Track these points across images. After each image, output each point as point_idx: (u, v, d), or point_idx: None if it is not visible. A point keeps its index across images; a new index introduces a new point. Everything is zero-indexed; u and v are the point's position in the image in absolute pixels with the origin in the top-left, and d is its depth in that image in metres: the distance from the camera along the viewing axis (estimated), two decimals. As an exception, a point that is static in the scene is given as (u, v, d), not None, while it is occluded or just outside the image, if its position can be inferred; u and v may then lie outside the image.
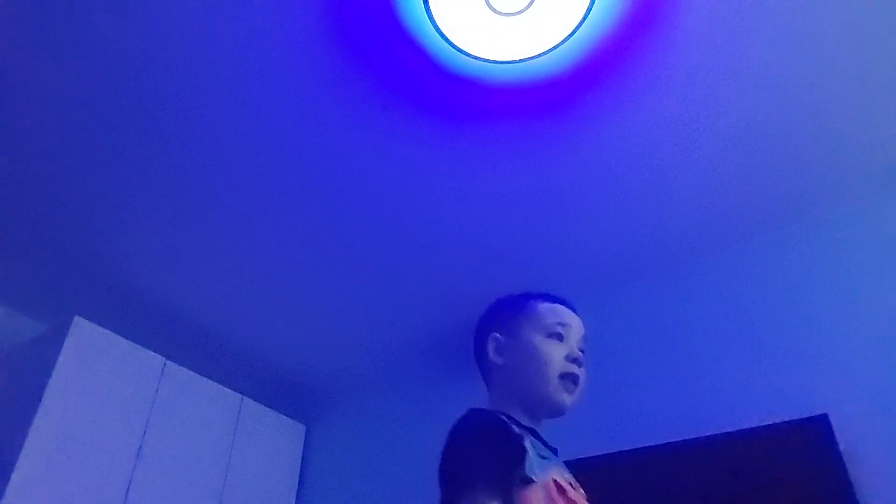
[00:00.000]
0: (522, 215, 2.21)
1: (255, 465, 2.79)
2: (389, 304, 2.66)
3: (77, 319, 2.32)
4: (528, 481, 0.86)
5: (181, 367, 2.63)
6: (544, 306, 1.10)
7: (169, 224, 2.30)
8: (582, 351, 1.08)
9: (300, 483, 3.00)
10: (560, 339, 1.06)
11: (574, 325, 1.09)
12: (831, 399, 1.84)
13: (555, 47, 1.63)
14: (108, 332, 2.42)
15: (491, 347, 1.10)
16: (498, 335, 1.10)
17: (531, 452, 0.90)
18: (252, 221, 2.28)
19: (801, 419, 1.82)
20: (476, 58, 1.67)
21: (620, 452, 2.08)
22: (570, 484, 0.94)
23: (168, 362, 2.58)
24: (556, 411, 1.04)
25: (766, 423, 1.87)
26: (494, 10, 1.55)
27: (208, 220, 2.28)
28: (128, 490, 2.27)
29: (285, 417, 3.06)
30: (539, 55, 1.66)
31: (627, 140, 1.92)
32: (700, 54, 1.67)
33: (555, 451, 1.02)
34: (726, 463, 1.90)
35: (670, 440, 2.02)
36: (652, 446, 2.05)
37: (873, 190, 2.06)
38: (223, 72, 1.75)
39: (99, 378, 2.31)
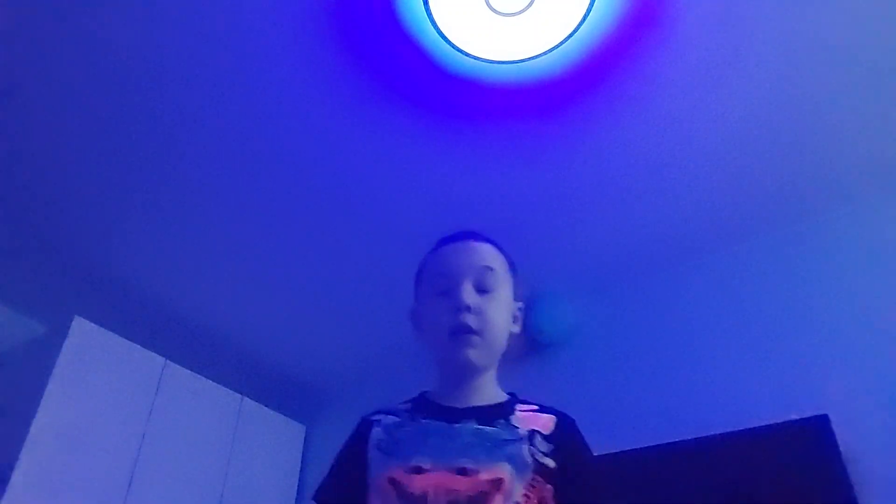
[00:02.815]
0: (522, 215, 2.21)
1: (255, 466, 2.79)
2: (389, 304, 2.65)
3: (77, 319, 2.32)
4: (370, 486, 0.85)
5: (181, 367, 2.63)
6: (431, 258, 1.01)
7: (169, 224, 2.30)
8: (486, 286, 0.94)
9: (300, 483, 2.99)
10: (446, 293, 0.93)
11: (461, 263, 0.97)
12: (831, 399, 1.85)
13: (555, 47, 1.63)
14: (108, 332, 2.41)
15: (412, 318, 1.02)
16: (415, 303, 1.02)
17: (374, 454, 0.87)
18: (252, 222, 2.28)
19: (801, 419, 1.82)
20: (476, 58, 1.67)
21: (620, 452, 2.08)
22: (421, 469, 0.82)
23: (168, 362, 2.58)
24: (464, 369, 0.92)
25: (766, 423, 1.87)
26: (494, 10, 1.55)
27: (208, 221, 2.28)
28: (128, 490, 2.27)
29: (285, 417, 3.05)
30: (539, 55, 1.66)
31: (627, 140, 1.92)
32: (699, 54, 1.67)
33: (479, 414, 0.90)
34: (726, 463, 1.90)
35: (670, 440, 2.02)
36: (652, 446, 2.05)
37: (873, 191, 2.06)
38: (223, 72, 1.75)
39: (99, 378, 2.31)
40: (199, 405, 2.65)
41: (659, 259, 2.41)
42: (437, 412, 0.91)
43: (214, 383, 2.76)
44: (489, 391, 0.95)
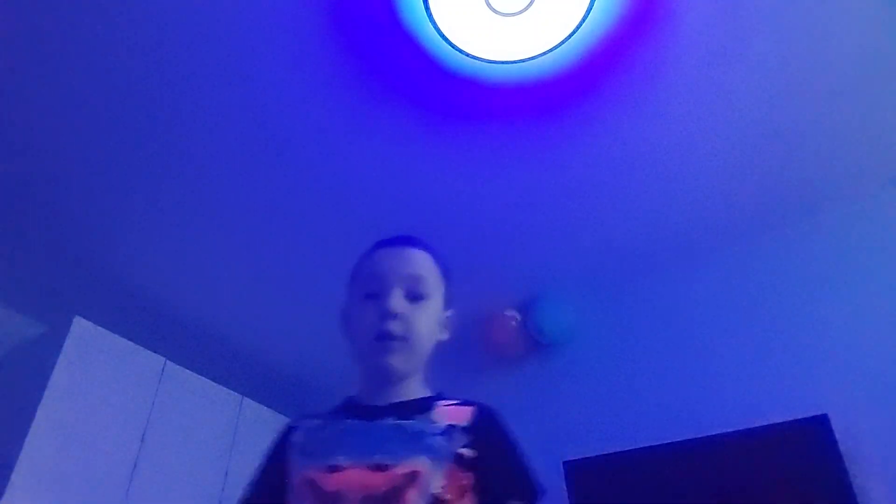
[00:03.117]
0: (522, 215, 2.21)
1: (255, 465, 2.78)
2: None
3: (77, 319, 2.32)
4: (289, 487, 0.86)
5: (181, 367, 2.63)
6: (364, 260, 1.00)
7: (169, 224, 2.30)
8: (417, 293, 0.94)
9: (300, 483, 2.99)
10: (375, 297, 0.93)
11: (393, 268, 0.95)
12: (831, 399, 1.85)
13: (555, 47, 1.63)
14: (108, 332, 2.41)
15: (341, 317, 1.02)
16: (346, 305, 1.01)
17: (293, 457, 0.89)
18: (252, 222, 2.28)
19: (801, 419, 1.82)
20: (476, 58, 1.67)
21: (621, 452, 2.08)
22: (338, 468, 0.83)
23: (168, 362, 2.58)
24: (382, 374, 0.93)
25: (767, 423, 1.88)
26: (494, 10, 1.55)
27: (208, 221, 2.28)
28: (128, 490, 2.27)
29: (285, 417, 3.05)
30: (539, 55, 1.66)
31: (627, 139, 1.92)
32: (700, 54, 1.67)
33: (398, 410, 0.91)
34: (727, 462, 1.90)
35: (671, 440, 2.02)
36: (652, 446, 2.05)
37: (873, 191, 2.06)
38: (224, 72, 1.75)
39: (99, 378, 2.31)
40: (199, 405, 2.65)
41: (659, 259, 2.41)
42: (359, 411, 0.92)
43: (214, 383, 2.76)
44: (412, 390, 0.95)
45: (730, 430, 1.93)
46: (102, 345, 2.37)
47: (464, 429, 0.89)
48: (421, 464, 0.83)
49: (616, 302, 2.53)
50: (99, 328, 2.38)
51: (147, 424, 2.42)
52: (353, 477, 0.82)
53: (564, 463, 2.17)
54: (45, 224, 2.31)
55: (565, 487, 2.13)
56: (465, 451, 0.86)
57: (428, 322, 0.95)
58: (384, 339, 0.91)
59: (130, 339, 2.48)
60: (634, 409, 2.26)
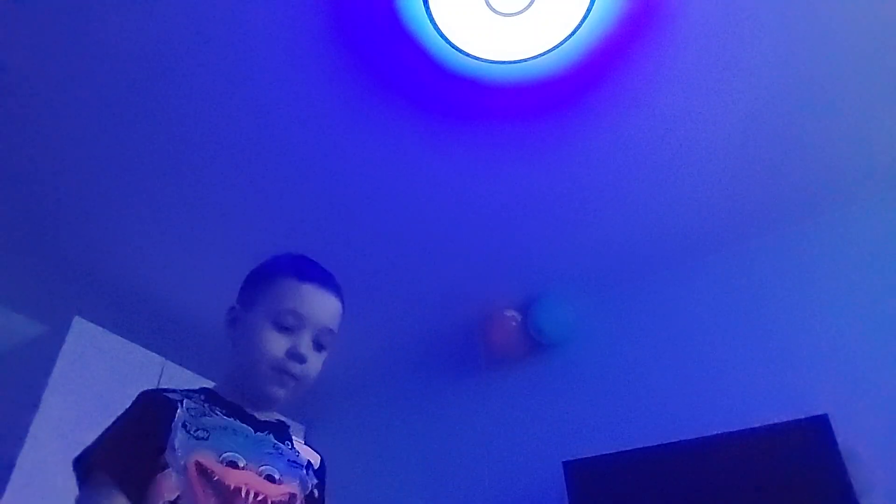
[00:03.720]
0: (523, 215, 2.21)
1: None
2: (389, 304, 2.66)
3: (77, 319, 2.32)
4: (165, 465, 0.81)
5: (181, 368, 2.63)
6: (288, 284, 0.97)
7: (169, 224, 2.30)
8: (322, 342, 0.97)
9: (300, 483, 2.99)
10: (289, 332, 0.94)
11: (315, 312, 0.96)
12: (831, 399, 1.85)
13: (555, 47, 1.63)
14: (108, 332, 2.41)
15: (229, 318, 1.00)
16: (237, 306, 1.01)
17: (180, 434, 0.84)
18: (252, 222, 2.28)
19: (801, 419, 1.82)
20: (476, 58, 1.67)
21: (621, 453, 2.08)
22: (235, 464, 0.84)
23: (168, 362, 2.58)
24: (268, 403, 0.96)
25: (766, 423, 1.87)
26: (494, 10, 1.55)
27: (208, 221, 2.28)
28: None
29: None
30: (539, 55, 1.66)
31: (628, 140, 1.92)
32: (700, 54, 1.67)
33: (275, 429, 0.95)
34: (727, 463, 1.90)
35: (670, 440, 2.02)
36: (652, 446, 2.05)
37: (873, 191, 2.06)
38: (224, 72, 1.75)
39: (99, 378, 2.31)
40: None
41: (659, 259, 2.41)
42: (239, 415, 0.93)
43: (214, 383, 2.76)
44: (276, 412, 1.01)
45: (730, 430, 1.92)
46: (102, 345, 2.37)
47: (315, 471, 0.99)
48: (295, 488, 0.90)
49: (616, 302, 2.52)
50: (99, 328, 2.38)
51: (147, 424, 2.41)
52: (251, 479, 0.85)
53: (564, 463, 2.17)
54: (45, 224, 2.31)
55: (565, 487, 2.13)
56: (315, 492, 0.95)
57: (319, 369, 1.00)
58: (284, 374, 0.93)
59: (130, 339, 2.48)
60: (634, 409, 2.26)
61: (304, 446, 1.02)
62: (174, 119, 1.89)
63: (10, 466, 1.99)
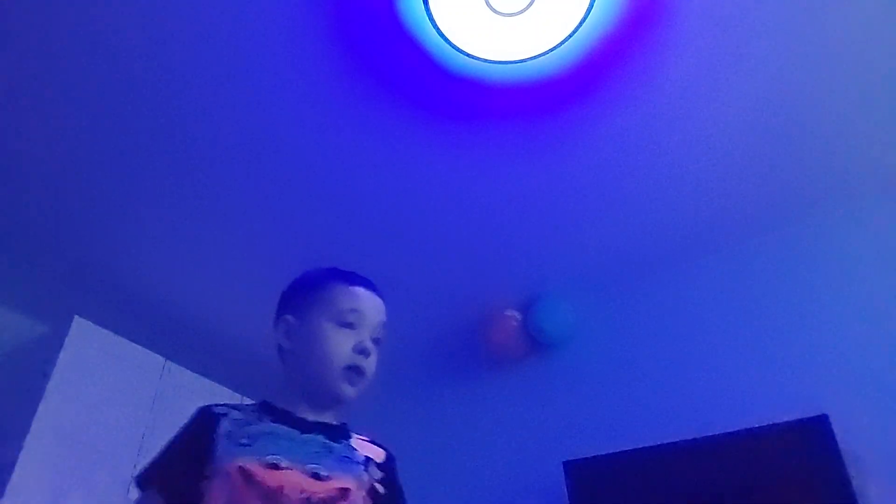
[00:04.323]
0: (523, 215, 2.21)
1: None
2: (388, 304, 2.65)
3: (77, 319, 2.32)
4: (214, 473, 0.86)
5: (181, 367, 2.63)
6: (340, 288, 1.05)
7: (169, 224, 2.30)
8: (378, 339, 1.04)
9: (300, 483, 2.99)
10: (351, 328, 1.01)
11: (370, 311, 1.04)
12: (831, 399, 1.85)
13: (555, 47, 1.63)
14: (108, 332, 2.41)
15: (281, 330, 1.05)
16: (290, 317, 1.05)
17: (222, 443, 0.89)
18: (252, 221, 2.28)
19: (801, 419, 1.82)
20: (476, 58, 1.67)
21: (621, 453, 2.08)
22: (277, 466, 0.88)
23: (168, 362, 2.58)
24: (337, 402, 1.01)
25: (767, 423, 1.88)
26: (494, 10, 1.55)
27: (208, 220, 2.28)
28: (128, 490, 2.26)
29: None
30: (539, 55, 1.66)
31: (627, 139, 1.92)
32: (700, 54, 1.67)
33: (327, 430, 0.98)
34: (727, 463, 1.90)
35: (671, 440, 2.02)
36: (652, 446, 2.05)
37: (873, 191, 2.06)
38: (224, 73, 1.75)
39: (99, 378, 2.31)
40: (199, 405, 2.65)
41: (658, 259, 2.41)
42: (286, 419, 0.97)
43: (214, 383, 2.76)
44: (334, 415, 1.04)
45: (730, 430, 1.92)
46: (102, 345, 2.37)
47: (378, 465, 1.00)
48: (348, 483, 0.91)
49: (616, 302, 2.52)
50: (99, 328, 2.38)
51: (147, 424, 2.42)
52: (294, 478, 0.87)
53: (564, 463, 2.17)
54: (46, 224, 2.31)
55: (565, 487, 2.13)
56: (379, 486, 0.96)
57: (376, 363, 1.04)
58: (353, 371, 0.99)
59: (130, 339, 2.48)
60: (634, 409, 2.26)
61: (367, 443, 1.03)
62: (174, 120, 1.89)
63: (10, 466, 1.99)
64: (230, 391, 2.83)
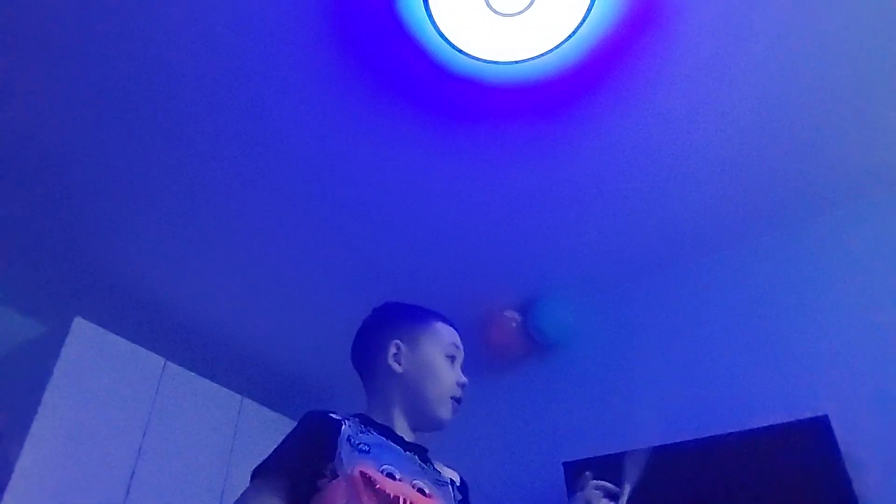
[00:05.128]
0: (523, 215, 2.21)
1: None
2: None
3: (77, 319, 2.32)
4: (334, 475, 0.91)
5: (181, 368, 2.63)
6: (442, 325, 1.18)
7: (169, 224, 2.30)
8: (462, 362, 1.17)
9: (300, 483, 2.99)
10: (452, 362, 1.14)
11: (462, 349, 1.17)
12: (831, 400, 1.84)
13: (555, 47, 1.63)
14: (108, 332, 2.41)
15: (391, 353, 1.12)
16: (400, 342, 1.13)
17: (345, 447, 0.94)
18: (252, 222, 2.28)
19: (801, 420, 1.82)
20: (476, 58, 1.67)
21: (620, 454, 2.08)
22: (393, 476, 0.94)
23: (168, 363, 2.58)
24: (439, 426, 1.11)
25: (767, 423, 1.87)
26: (494, 11, 1.55)
27: (208, 221, 2.28)
28: (128, 490, 2.26)
29: (285, 417, 3.05)
30: (539, 55, 1.66)
31: (628, 140, 1.92)
32: (700, 54, 1.67)
33: (419, 451, 1.06)
34: (727, 463, 1.90)
35: (671, 441, 2.01)
36: (652, 447, 2.04)
37: (873, 191, 2.06)
38: (223, 73, 1.75)
39: (99, 378, 2.31)
40: (199, 405, 2.65)
41: (659, 260, 2.41)
42: (390, 435, 1.05)
43: (214, 383, 2.76)
44: (419, 438, 1.13)
45: (730, 430, 1.92)
46: (102, 345, 2.37)
47: (457, 487, 1.09)
48: (443, 503, 0.99)
49: (616, 302, 2.52)
50: (99, 328, 2.38)
51: (147, 424, 2.42)
52: (407, 490, 0.94)
53: (564, 463, 2.17)
54: (46, 224, 2.31)
55: (565, 487, 2.13)
56: None
57: None
58: (458, 402, 1.12)
59: (130, 340, 2.48)
60: (634, 409, 2.26)
61: (444, 467, 1.12)
62: (174, 120, 1.90)
63: (10, 466, 1.99)
64: (230, 391, 2.83)
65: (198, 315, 2.79)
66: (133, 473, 2.30)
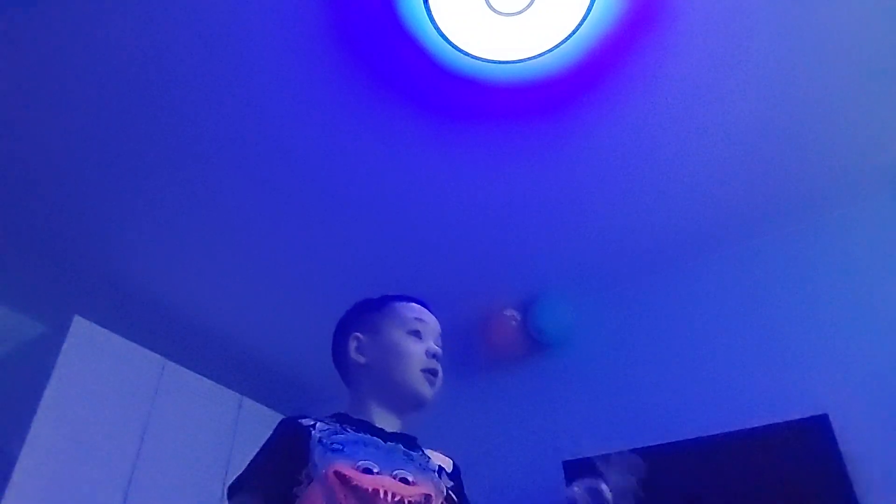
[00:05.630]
0: (523, 215, 2.21)
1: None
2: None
3: (77, 319, 2.31)
4: (310, 479, 0.91)
5: (181, 367, 2.63)
6: (402, 305, 1.16)
7: (169, 224, 2.30)
8: (438, 338, 1.15)
9: (300, 483, 2.99)
10: (419, 337, 1.11)
11: (430, 322, 1.15)
12: (831, 399, 1.85)
13: (555, 47, 1.63)
14: (108, 332, 2.41)
15: (352, 346, 1.13)
16: (359, 335, 1.14)
17: (317, 450, 0.94)
18: (252, 221, 2.28)
19: (801, 419, 1.82)
20: (476, 58, 1.67)
21: (620, 454, 2.08)
22: (370, 471, 0.93)
23: (168, 362, 2.58)
24: (419, 403, 1.09)
25: (767, 423, 1.88)
26: (494, 10, 1.55)
27: (208, 221, 2.28)
28: (127, 490, 2.26)
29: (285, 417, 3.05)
30: (539, 55, 1.66)
31: (628, 140, 1.92)
32: (700, 54, 1.67)
33: (404, 440, 1.05)
34: (727, 462, 1.90)
35: (670, 440, 2.02)
36: (652, 446, 2.05)
37: (874, 191, 2.06)
38: (224, 72, 1.75)
39: (99, 378, 2.31)
40: (199, 405, 2.65)
41: (658, 260, 2.41)
42: (368, 429, 1.04)
43: (214, 383, 2.76)
44: (405, 426, 1.12)
45: (730, 430, 1.93)
46: (102, 345, 2.37)
47: (448, 474, 1.07)
48: (430, 489, 0.97)
49: (616, 302, 2.52)
50: (98, 328, 2.38)
51: (146, 424, 2.41)
52: (388, 482, 0.93)
53: (564, 463, 2.17)
54: (46, 224, 2.31)
55: (565, 487, 2.13)
56: (452, 495, 1.02)
57: None
58: (431, 373, 1.09)
59: (130, 339, 2.47)
60: (634, 409, 2.26)
61: (436, 453, 1.11)
62: (174, 120, 1.89)
63: (10, 466, 1.99)
64: (230, 391, 2.83)
65: (197, 315, 2.79)
66: (133, 472, 2.30)
